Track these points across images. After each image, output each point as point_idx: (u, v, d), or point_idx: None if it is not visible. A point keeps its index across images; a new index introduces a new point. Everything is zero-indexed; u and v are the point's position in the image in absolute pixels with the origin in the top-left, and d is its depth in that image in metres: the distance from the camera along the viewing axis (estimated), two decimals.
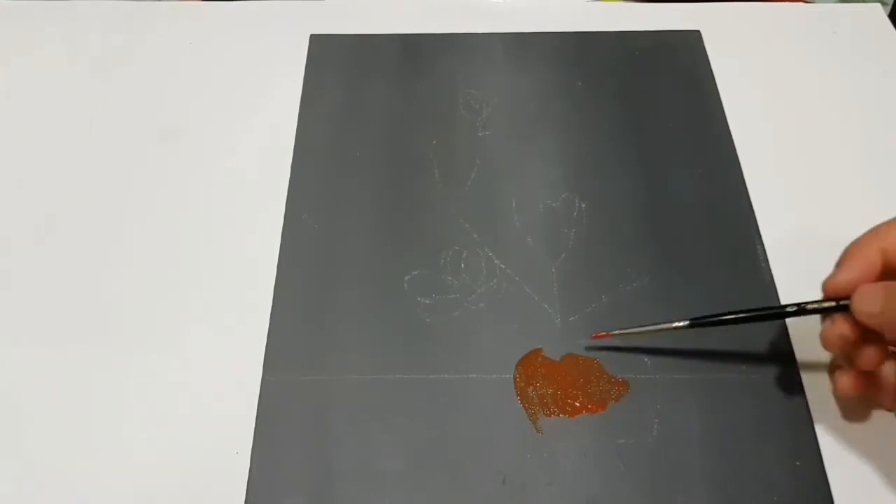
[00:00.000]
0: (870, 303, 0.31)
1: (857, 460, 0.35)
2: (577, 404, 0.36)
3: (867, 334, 0.33)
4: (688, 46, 0.52)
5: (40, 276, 0.41)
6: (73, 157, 0.46)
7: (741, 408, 0.36)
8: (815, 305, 0.34)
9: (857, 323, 0.32)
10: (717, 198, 0.44)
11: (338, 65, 0.51)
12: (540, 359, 0.38)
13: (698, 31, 0.52)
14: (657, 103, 0.48)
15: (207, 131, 0.48)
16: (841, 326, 0.33)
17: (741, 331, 0.38)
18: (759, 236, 0.42)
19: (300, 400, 0.36)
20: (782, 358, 0.37)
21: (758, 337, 0.38)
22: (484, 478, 0.34)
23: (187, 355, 0.38)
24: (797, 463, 0.34)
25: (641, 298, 0.40)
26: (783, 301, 0.39)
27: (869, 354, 0.33)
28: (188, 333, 0.39)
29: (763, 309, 0.35)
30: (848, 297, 0.32)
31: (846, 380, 0.34)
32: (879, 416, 0.36)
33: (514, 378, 0.37)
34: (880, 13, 0.55)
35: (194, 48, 0.52)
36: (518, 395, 0.36)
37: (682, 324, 0.35)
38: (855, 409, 0.36)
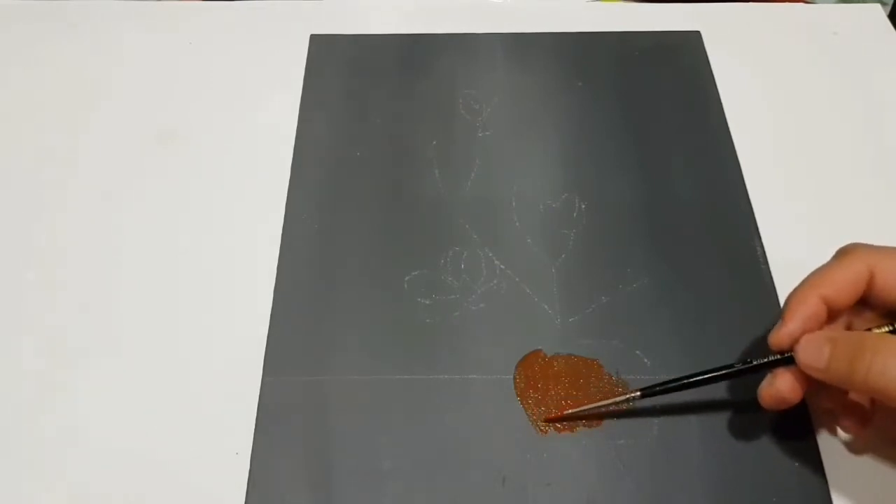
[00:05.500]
0: (815, 357, 0.31)
1: (856, 460, 0.35)
2: (577, 406, 0.36)
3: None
4: (688, 46, 0.52)
5: (39, 276, 0.41)
6: (73, 156, 0.46)
7: (741, 408, 0.36)
8: (762, 361, 0.33)
9: (802, 375, 0.32)
10: (716, 198, 0.44)
11: (338, 65, 0.51)
12: (540, 359, 0.38)
13: (698, 31, 0.52)
14: (657, 103, 0.48)
15: (207, 131, 0.48)
16: (779, 385, 0.32)
17: (741, 331, 0.38)
18: (759, 236, 0.42)
19: (300, 400, 0.36)
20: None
21: (757, 338, 0.38)
22: (484, 478, 0.34)
23: (187, 355, 0.38)
24: (797, 463, 0.34)
25: (641, 298, 0.40)
26: (781, 300, 0.39)
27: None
28: (188, 333, 0.39)
29: (712, 371, 0.34)
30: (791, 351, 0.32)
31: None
32: None
33: (515, 379, 0.37)
34: (880, 13, 0.55)
35: (194, 48, 0.52)
36: (518, 395, 0.36)
37: (633, 395, 0.34)
38: None
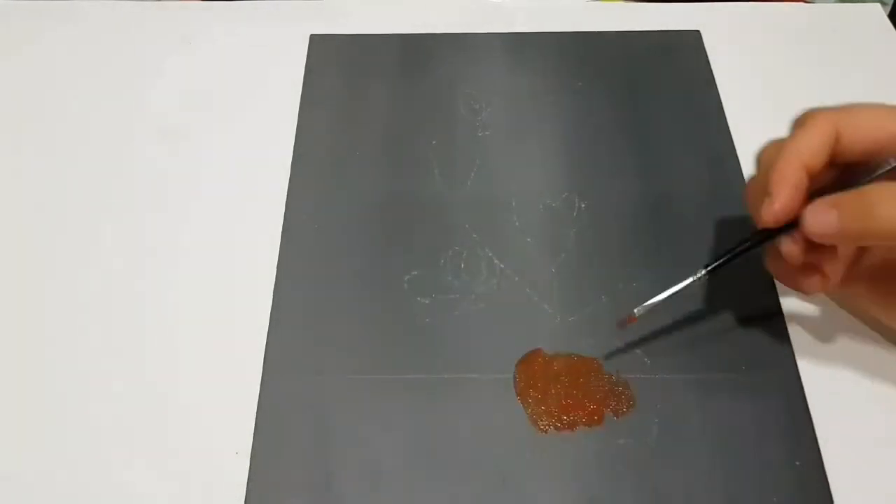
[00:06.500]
0: (825, 222, 0.31)
1: (857, 461, 0.35)
2: (577, 405, 0.36)
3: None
4: (688, 46, 0.52)
5: (38, 275, 0.41)
6: (73, 156, 0.46)
7: (741, 408, 0.36)
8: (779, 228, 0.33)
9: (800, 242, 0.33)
10: (716, 198, 0.44)
11: (338, 65, 0.51)
12: (540, 359, 0.38)
13: (698, 31, 0.52)
14: (657, 103, 0.48)
15: (207, 131, 0.48)
16: (790, 248, 0.33)
17: (741, 331, 0.38)
18: None
19: (300, 400, 0.36)
20: (782, 358, 0.37)
21: (758, 337, 0.38)
22: (484, 478, 0.34)
23: (187, 355, 0.38)
24: (797, 463, 0.34)
25: (641, 298, 0.39)
26: (781, 301, 0.39)
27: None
28: (188, 333, 0.39)
29: (764, 232, 0.34)
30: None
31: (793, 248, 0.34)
32: (880, 415, 0.36)
33: (515, 378, 0.37)
34: (880, 13, 0.55)
35: (194, 48, 0.52)
36: (518, 395, 0.36)
37: (699, 275, 0.35)
38: (856, 407, 0.36)
